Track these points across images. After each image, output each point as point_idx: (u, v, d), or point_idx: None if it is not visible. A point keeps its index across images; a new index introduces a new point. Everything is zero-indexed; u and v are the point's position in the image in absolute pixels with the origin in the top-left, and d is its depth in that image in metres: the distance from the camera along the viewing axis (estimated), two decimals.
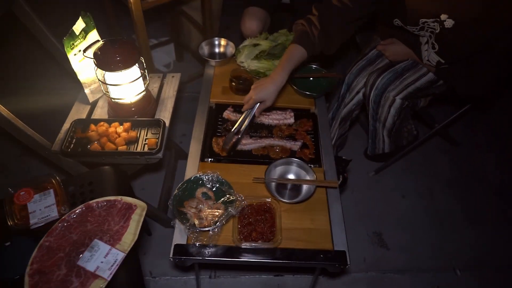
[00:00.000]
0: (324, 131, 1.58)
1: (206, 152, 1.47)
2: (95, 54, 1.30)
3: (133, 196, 1.43)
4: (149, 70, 2.03)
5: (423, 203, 2.10)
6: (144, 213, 1.06)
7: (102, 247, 0.97)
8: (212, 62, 1.81)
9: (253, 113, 1.40)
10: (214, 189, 1.30)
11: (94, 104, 1.54)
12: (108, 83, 1.36)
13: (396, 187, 2.16)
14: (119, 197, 1.08)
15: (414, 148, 2.11)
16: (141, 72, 1.40)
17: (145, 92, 1.45)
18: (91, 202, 1.07)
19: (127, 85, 1.36)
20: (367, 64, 1.78)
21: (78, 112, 1.50)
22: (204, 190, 1.29)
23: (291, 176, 1.37)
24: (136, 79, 1.37)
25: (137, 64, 1.37)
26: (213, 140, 1.49)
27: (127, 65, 1.31)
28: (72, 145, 1.35)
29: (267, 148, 1.49)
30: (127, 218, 1.04)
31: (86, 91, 1.49)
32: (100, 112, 1.52)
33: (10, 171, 2.06)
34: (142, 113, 1.49)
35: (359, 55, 1.86)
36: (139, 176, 2.10)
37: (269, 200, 1.27)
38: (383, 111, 1.67)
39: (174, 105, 1.56)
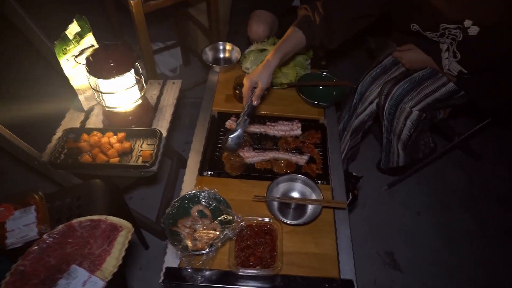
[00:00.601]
0: (333, 144, 1.46)
1: (206, 165, 1.36)
2: (87, 60, 1.22)
3: (125, 211, 1.34)
4: (150, 75, 1.96)
5: (440, 220, 1.95)
6: (130, 236, 0.97)
7: (80, 274, 0.87)
8: (216, 68, 1.71)
9: (250, 103, 1.29)
10: (211, 207, 1.19)
11: (89, 112, 1.46)
12: (101, 91, 1.27)
13: (411, 202, 2.02)
14: (104, 217, 0.99)
15: (431, 162, 1.97)
16: (136, 79, 1.30)
17: (141, 100, 1.36)
18: (73, 221, 0.98)
19: (122, 93, 1.27)
20: (382, 72, 1.65)
21: (72, 120, 1.42)
22: (200, 208, 1.19)
23: (295, 195, 1.26)
24: (131, 86, 1.28)
25: (132, 71, 1.28)
26: (224, 156, 1.37)
27: (120, 71, 1.22)
28: (62, 155, 1.27)
29: (271, 162, 1.38)
30: (111, 240, 0.95)
31: (81, 98, 1.40)
32: (95, 120, 1.43)
33: (10, 177, 2.00)
34: (139, 122, 1.40)
35: (373, 62, 1.73)
36: (138, 186, 2.01)
37: (270, 220, 1.16)
38: (398, 123, 1.54)
39: (173, 114, 1.46)
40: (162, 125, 1.41)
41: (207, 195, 1.19)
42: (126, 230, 0.98)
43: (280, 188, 1.26)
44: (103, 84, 1.26)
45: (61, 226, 0.97)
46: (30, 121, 1.52)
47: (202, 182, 1.30)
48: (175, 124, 2.34)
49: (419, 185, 2.09)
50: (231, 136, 1.25)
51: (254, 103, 1.29)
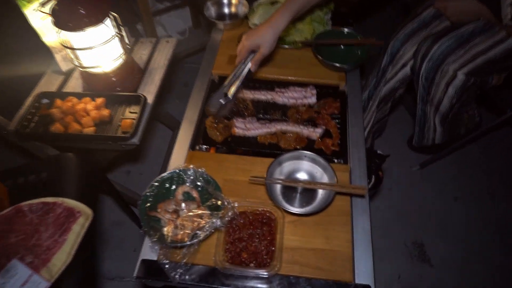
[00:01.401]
0: (355, 116, 1.21)
1: (200, 138, 1.15)
2: (53, 9, 1.01)
3: (108, 190, 1.18)
4: (149, 35, 1.74)
5: (481, 208, 1.67)
6: (87, 224, 0.78)
7: (21, 271, 0.70)
8: (220, 24, 1.47)
9: (247, 66, 1.11)
10: (199, 189, 0.99)
11: (69, 74, 1.27)
12: (73, 47, 1.06)
13: (447, 186, 1.74)
14: (59, 199, 0.81)
15: (474, 140, 1.67)
16: (116, 32, 1.09)
17: (123, 58, 1.15)
18: (22, 204, 0.80)
19: (98, 49, 1.06)
20: (420, 27, 1.34)
21: (48, 84, 1.24)
22: (187, 189, 0.99)
23: (302, 176, 1.03)
24: (108, 40, 1.06)
25: (109, 22, 1.06)
26: (207, 123, 1.17)
27: (92, 22, 1.01)
28: (32, 124, 1.09)
29: (277, 135, 1.15)
30: (65, 229, 0.77)
31: (57, 57, 1.21)
32: (75, 84, 1.25)
33: None
34: (124, 85, 1.20)
35: (408, 16, 1.42)
36: (136, 160, 1.84)
37: (269, 208, 0.94)
38: (437, 90, 1.25)
39: (163, 76, 1.25)
40: (150, 89, 1.20)
41: (194, 174, 0.98)
42: (84, 216, 0.79)
43: (285, 167, 1.03)
44: (74, 38, 1.05)
45: (7, 210, 0.80)
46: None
47: (193, 158, 1.10)
48: (182, 92, 2.15)
49: (458, 166, 1.79)
50: (221, 104, 1.05)
51: (252, 68, 1.06)
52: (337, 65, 1.28)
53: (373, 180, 1.13)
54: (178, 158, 1.10)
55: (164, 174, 0.99)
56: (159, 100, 1.22)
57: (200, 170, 0.98)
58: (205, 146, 1.16)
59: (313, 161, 1.02)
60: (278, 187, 1.01)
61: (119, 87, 1.20)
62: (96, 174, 1.14)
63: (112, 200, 1.62)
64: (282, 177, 1.01)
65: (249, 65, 1.11)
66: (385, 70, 1.41)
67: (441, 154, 1.72)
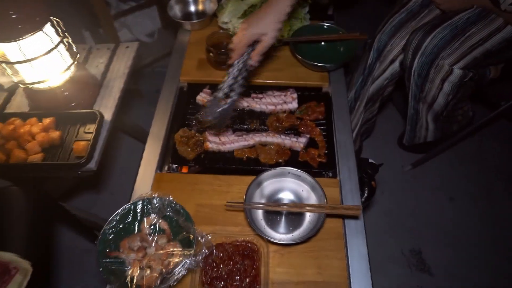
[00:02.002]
0: (342, 120, 1.10)
1: (168, 156, 1.02)
2: None
3: (69, 221, 1.02)
4: (111, 39, 1.58)
5: (478, 208, 1.59)
6: (26, 281, 0.63)
7: None
8: (186, 24, 1.33)
9: (245, 63, 0.94)
10: (168, 220, 0.85)
11: (12, 92, 1.11)
12: (8, 61, 0.91)
13: (441, 186, 1.65)
14: None
15: (468, 135, 1.58)
16: (60, 40, 0.93)
17: (73, 70, 1.00)
18: None
19: (40, 60, 0.91)
20: (408, 18, 1.23)
21: None
22: (154, 221, 0.85)
23: (287, 197, 0.91)
24: (50, 50, 0.91)
25: (50, 28, 0.91)
26: (177, 138, 1.03)
27: (28, 29, 0.85)
28: None
29: (256, 148, 1.02)
30: None
31: None
32: (20, 102, 1.09)
33: None
34: (77, 101, 1.05)
35: (394, 7, 1.31)
36: (107, 177, 1.68)
37: (251, 237, 0.82)
38: (432, 87, 1.15)
39: (123, 88, 1.10)
40: (108, 104, 1.05)
41: (160, 203, 0.84)
42: (22, 273, 0.64)
43: (266, 188, 0.91)
44: (9, 49, 0.90)
45: None
46: None
47: (162, 182, 0.96)
48: (155, 99, 1.99)
49: (453, 164, 1.71)
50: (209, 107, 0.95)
51: (253, 63, 0.91)
52: (319, 64, 1.15)
53: (366, 193, 1.02)
54: (143, 183, 0.96)
55: (126, 206, 0.84)
56: (119, 115, 1.08)
57: (167, 198, 0.84)
58: (175, 165, 1.03)
59: (298, 178, 0.90)
60: (259, 211, 0.88)
61: (72, 104, 1.04)
62: (49, 207, 0.99)
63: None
64: (263, 200, 0.89)
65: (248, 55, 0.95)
66: (372, 67, 1.30)
67: (434, 153, 1.62)
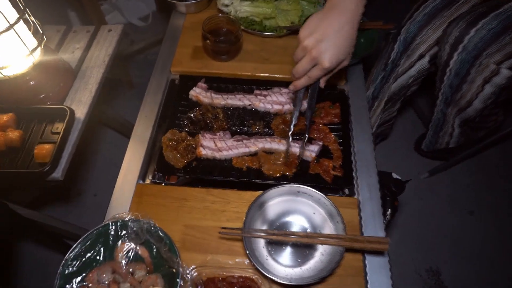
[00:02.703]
0: (361, 125, 0.94)
1: (153, 163, 0.85)
2: None
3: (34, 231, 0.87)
4: (95, 21, 1.40)
5: (502, 223, 1.43)
6: None
7: None
8: (181, 6, 1.15)
9: (316, 90, 0.79)
10: (148, 247, 0.69)
11: None
12: None
13: (460, 197, 1.50)
14: None
15: (494, 144, 1.41)
16: (20, 17, 0.76)
17: (38, 57, 0.82)
18: None
19: None
20: (444, 5, 1.05)
21: None
22: (131, 246, 0.69)
23: (295, 221, 0.74)
24: (6, 29, 0.73)
25: (9, 3, 0.73)
26: (164, 141, 0.86)
27: None
28: None
29: (259, 157, 0.86)
30: None
31: None
32: None
33: None
34: (46, 94, 0.87)
35: None
36: (95, 178, 1.51)
37: (249, 273, 0.66)
38: (470, 88, 0.98)
39: (102, 78, 0.93)
40: (82, 98, 0.88)
41: (138, 228, 0.67)
42: None
43: (270, 209, 0.74)
44: None
45: None
46: None
47: (144, 195, 0.79)
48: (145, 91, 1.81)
49: (473, 174, 1.56)
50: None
51: (323, 85, 0.77)
52: None
53: (388, 215, 0.86)
54: (122, 196, 0.80)
55: (96, 229, 0.68)
56: (97, 111, 0.90)
57: (147, 222, 0.67)
58: (161, 174, 0.86)
59: (311, 198, 0.73)
60: (261, 242, 0.72)
61: (40, 96, 0.87)
62: (9, 220, 0.82)
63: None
64: (266, 225, 0.72)
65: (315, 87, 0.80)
66: (396, 62, 1.12)
67: (455, 160, 1.46)
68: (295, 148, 0.88)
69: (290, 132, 0.82)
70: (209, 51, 1.04)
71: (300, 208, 0.75)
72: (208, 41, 1.01)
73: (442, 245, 1.37)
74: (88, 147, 1.58)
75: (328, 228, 0.71)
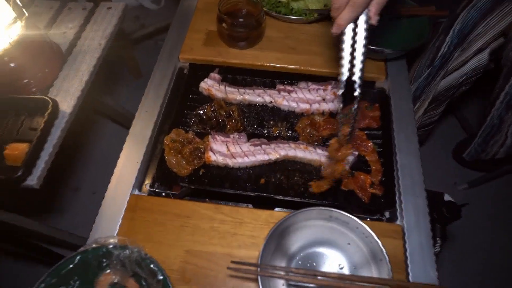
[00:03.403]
0: (405, 133, 0.78)
1: (153, 169, 0.71)
2: None
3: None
4: None
5: None
6: None
7: None
8: None
9: (366, 24, 0.58)
10: (136, 278, 0.54)
11: None
12: None
13: (503, 215, 1.30)
14: None
15: None
16: None
17: (18, 35, 0.68)
18: None
19: None
20: None
21: None
22: (116, 279, 0.54)
23: (325, 256, 0.59)
24: None
25: None
26: (167, 142, 0.72)
27: None
28: None
29: (280, 165, 0.71)
30: None
31: None
32: None
33: None
34: (28, 81, 0.73)
35: None
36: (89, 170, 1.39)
37: None
38: None
39: (96, 64, 0.79)
40: (70, 88, 0.74)
41: (125, 256, 0.53)
42: None
43: (292, 238, 0.59)
44: None
45: None
46: None
47: (138, 209, 0.65)
48: None
49: None
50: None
51: (375, 19, 0.57)
52: (375, 48, 0.81)
53: (438, 246, 0.70)
54: (111, 211, 0.67)
55: (72, 256, 0.53)
56: (88, 102, 0.76)
57: (136, 249, 0.53)
58: (160, 184, 0.71)
59: (344, 225, 0.57)
60: (280, 283, 0.56)
61: (23, 81, 0.73)
62: None
63: None
64: (286, 259, 0.57)
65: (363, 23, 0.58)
66: (447, 56, 0.94)
67: (500, 172, 1.28)
68: (325, 158, 0.72)
69: (341, 91, 0.62)
70: (225, 36, 0.89)
71: (331, 238, 0.59)
72: (224, 25, 0.86)
73: (484, 274, 1.19)
74: (85, 139, 1.45)
75: (367, 266, 0.55)
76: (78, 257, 0.53)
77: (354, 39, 0.59)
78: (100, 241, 0.54)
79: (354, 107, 0.62)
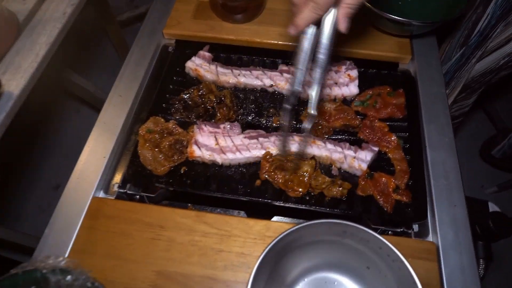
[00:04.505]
0: (437, 123, 0.66)
1: (123, 165, 0.58)
2: None
3: None
4: None
5: None
6: None
7: None
8: None
9: (331, 29, 0.46)
10: None
11: None
12: None
13: None
14: None
15: None
16: None
17: None
18: None
19: None
20: None
21: None
22: None
23: (337, 283, 0.45)
24: None
25: None
26: (141, 133, 0.58)
27: None
28: None
29: (279, 164, 0.57)
30: None
31: None
32: None
33: None
34: None
35: None
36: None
37: None
38: None
39: (56, 39, 0.65)
40: (23, 63, 0.61)
41: (66, 284, 0.39)
42: None
43: (296, 259, 0.45)
44: None
45: None
46: None
47: (100, 216, 0.53)
48: None
49: None
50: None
51: (343, 27, 0.45)
52: (399, 19, 0.66)
53: (481, 268, 0.55)
54: (66, 217, 0.53)
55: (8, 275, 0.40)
56: (42, 84, 0.63)
57: (82, 275, 0.39)
58: (132, 184, 0.58)
59: (364, 243, 0.43)
60: None
61: None
62: None
63: None
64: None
65: (328, 27, 0.47)
66: (485, 33, 0.78)
67: None
68: (337, 154, 0.58)
69: (289, 107, 0.50)
70: (218, 7, 0.78)
71: (345, 260, 0.45)
72: None
73: None
74: (52, 126, 1.30)
75: None
76: (5, 282, 0.40)
77: (317, 45, 0.46)
78: (35, 262, 0.41)
79: (307, 125, 0.50)
